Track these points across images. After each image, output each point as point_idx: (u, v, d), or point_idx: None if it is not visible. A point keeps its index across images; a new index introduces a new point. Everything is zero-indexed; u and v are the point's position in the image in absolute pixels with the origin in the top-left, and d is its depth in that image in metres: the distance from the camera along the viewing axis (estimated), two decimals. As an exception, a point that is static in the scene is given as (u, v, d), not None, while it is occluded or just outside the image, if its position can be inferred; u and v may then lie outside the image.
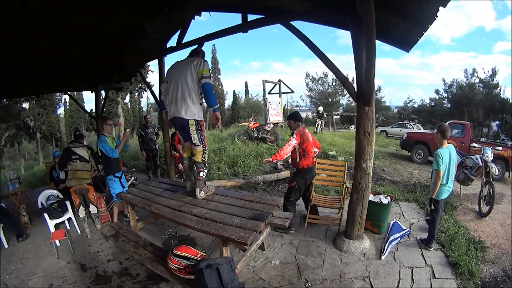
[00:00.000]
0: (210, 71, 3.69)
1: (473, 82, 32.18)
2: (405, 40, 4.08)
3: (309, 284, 3.47)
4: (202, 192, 3.92)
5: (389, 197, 4.64)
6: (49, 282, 3.83)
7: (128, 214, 4.87)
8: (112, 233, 4.03)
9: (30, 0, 3.94)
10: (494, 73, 31.24)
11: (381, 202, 4.51)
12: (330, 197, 5.67)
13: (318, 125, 15.62)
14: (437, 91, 35.91)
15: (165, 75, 4.04)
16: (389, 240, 4.25)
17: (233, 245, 3.68)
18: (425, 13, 3.40)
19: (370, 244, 4.23)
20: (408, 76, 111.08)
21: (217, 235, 2.97)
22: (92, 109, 15.61)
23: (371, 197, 4.53)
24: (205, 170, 3.91)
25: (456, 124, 10.30)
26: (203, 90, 3.55)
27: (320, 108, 16.66)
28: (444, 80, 35.16)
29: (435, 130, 4.21)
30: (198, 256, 2.84)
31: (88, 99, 56.02)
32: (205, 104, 3.74)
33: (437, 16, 3.32)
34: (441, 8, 3.13)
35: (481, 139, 11.87)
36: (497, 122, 35.09)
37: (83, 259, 4.32)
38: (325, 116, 17.07)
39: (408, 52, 4.29)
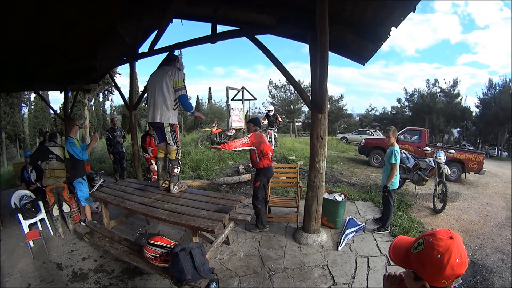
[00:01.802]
0: (184, 80, 4.07)
1: (434, 91, 34.16)
2: (361, 54, 4.52)
3: (272, 273, 3.81)
4: (176, 187, 4.37)
5: (343, 195, 5.10)
6: (26, 282, 3.88)
7: (86, 219, 5.11)
8: (87, 230, 4.26)
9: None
10: (455, 83, 33.44)
11: (335, 199, 4.95)
12: (286, 197, 6.09)
13: (271, 137, 11.39)
14: (398, 100, 38.11)
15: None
16: (345, 233, 4.68)
17: (200, 238, 4.04)
18: (379, 32, 3.81)
19: (328, 237, 4.64)
20: (371, 85, 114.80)
21: (188, 226, 3.36)
22: (56, 110, 15.33)
23: (326, 195, 5.00)
24: (179, 167, 4.41)
25: (413, 131, 11.11)
26: (179, 101, 4.02)
27: (270, 108, 13.07)
28: (405, 89, 37.34)
29: (387, 133, 5.01)
30: (171, 244, 3.16)
31: (53, 99, 53.72)
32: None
33: (389, 35, 3.73)
34: (393, 28, 3.55)
35: (437, 144, 12.71)
36: (458, 129, 37.59)
37: (59, 258, 4.39)
38: (280, 120, 13.02)
39: (363, 65, 4.76)
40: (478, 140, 36.76)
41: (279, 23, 4.39)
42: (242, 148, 4.56)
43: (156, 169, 5.26)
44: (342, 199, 4.98)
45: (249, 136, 4.55)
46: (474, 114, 33.92)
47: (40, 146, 5.56)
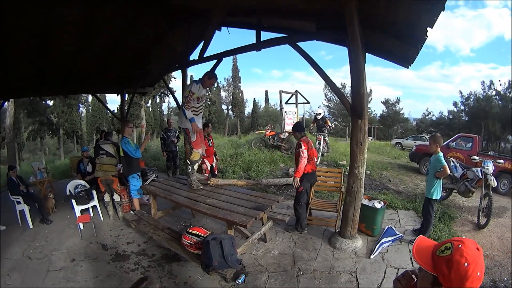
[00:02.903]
0: (191, 91, 4.62)
1: (490, 94, 31.31)
2: (403, 57, 4.42)
3: (301, 273, 3.88)
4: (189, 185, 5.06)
5: (382, 203, 5.00)
6: (71, 257, 4.35)
7: (135, 210, 5.52)
8: (134, 218, 4.73)
9: (56, 13, 4.66)
10: (511, 85, 30.22)
11: (375, 206, 4.87)
12: (328, 200, 6.04)
13: (320, 144, 10.29)
14: (455, 104, 35.10)
15: None
16: (380, 242, 4.57)
17: (237, 232, 4.28)
18: (415, 34, 3.73)
19: (363, 244, 4.57)
20: (428, 88, 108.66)
21: (224, 219, 3.66)
22: (113, 110, 16.49)
23: (366, 202, 4.95)
24: (189, 167, 5.04)
25: (465, 137, 10.34)
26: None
27: (319, 112, 11.68)
28: (461, 93, 34.33)
29: (430, 140, 4.97)
30: (207, 235, 3.41)
31: (110, 100, 57.73)
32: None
33: (427, 36, 3.63)
34: (429, 28, 3.46)
35: (489, 153, 11.85)
36: (515, 136, 34.31)
37: (105, 240, 4.85)
38: (330, 125, 11.63)
39: (407, 68, 4.59)
40: (536, 150, 33.34)
41: (318, 29, 4.47)
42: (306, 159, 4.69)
43: (206, 167, 6.00)
44: (381, 207, 4.88)
45: (303, 148, 4.64)
46: None
47: (95, 145, 6.19)
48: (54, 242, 4.85)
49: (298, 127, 5.04)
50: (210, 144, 6.83)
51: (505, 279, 4.02)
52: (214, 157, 7.07)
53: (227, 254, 3.05)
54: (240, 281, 3.51)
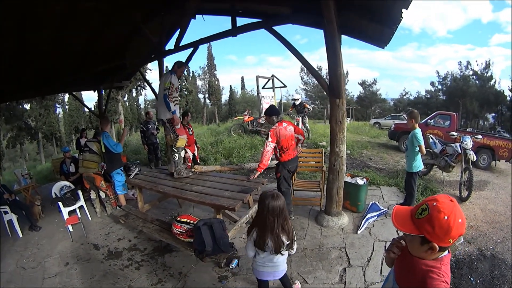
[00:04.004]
0: (172, 83, 4.73)
1: (467, 74, 32.38)
2: (379, 38, 4.45)
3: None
4: (175, 172, 5.12)
5: (364, 179, 5.16)
6: (65, 261, 4.31)
7: (121, 205, 5.52)
8: (122, 213, 4.72)
9: (31, 13, 4.61)
10: (488, 65, 31.55)
11: (357, 183, 5.01)
12: (311, 181, 6.15)
13: (298, 125, 10.54)
14: (432, 84, 36.40)
15: None
16: (366, 217, 4.73)
17: (225, 217, 4.36)
18: (391, 15, 3.74)
19: (349, 221, 4.72)
20: (405, 69, 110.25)
21: (212, 204, 3.73)
22: (90, 107, 16.20)
23: (349, 179, 5.09)
24: (175, 155, 5.08)
25: (443, 115, 10.66)
26: (163, 99, 4.71)
27: (297, 97, 12.10)
28: (438, 73, 35.57)
29: (407, 117, 5.03)
30: (197, 221, 3.45)
31: (86, 98, 56.47)
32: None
33: (402, 17, 3.65)
34: (404, 10, 3.47)
35: (467, 129, 12.20)
36: (493, 114, 34.97)
37: (95, 240, 4.83)
38: (308, 108, 12.08)
39: (383, 48, 4.62)
40: (514, 126, 34.73)
41: (294, 12, 4.50)
42: (272, 153, 4.45)
43: (188, 157, 5.98)
44: (364, 183, 5.02)
45: (270, 139, 4.32)
46: (508, 98, 31.53)
47: (86, 142, 6.08)
48: (46, 248, 4.80)
49: (269, 110, 4.64)
50: (191, 133, 6.86)
51: (491, 247, 4.23)
52: (195, 145, 7.12)
53: (219, 238, 3.11)
54: (233, 265, 3.59)
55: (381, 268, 3.61)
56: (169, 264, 3.90)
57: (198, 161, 7.29)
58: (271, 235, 2.31)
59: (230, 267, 3.57)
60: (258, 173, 4.45)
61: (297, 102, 11.64)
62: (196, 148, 7.18)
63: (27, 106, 28.96)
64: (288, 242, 2.39)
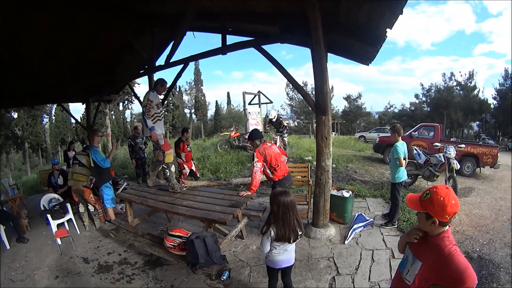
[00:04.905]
0: (149, 100, 4.86)
1: (451, 85, 33.32)
2: (364, 56, 4.69)
3: (281, 263, 4.11)
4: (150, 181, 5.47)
5: (350, 192, 5.33)
6: (54, 274, 4.27)
7: (111, 220, 5.50)
8: (113, 227, 4.75)
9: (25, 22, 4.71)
10: (471, 75, 32.62)
11: (343, 195, 5.16)
12: (298, 194, 6.20)
13: (276, 143, 9.84)
14: (416, 96, 37.37)
15: None
16: (352, 228, 4.87)
17: (215, 231, 4.39)
18: (375, 34, 3.95)
19: (336, 232, 4.84)
20: (390, 82, 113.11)
21: (203, 219, 3.85)
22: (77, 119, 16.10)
23: (335, 192, 5.23)
24: (167, 170, 5.17)
25: (427, 126, 10.94)
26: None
27: (272, 114, 11.55)
28: (422, 85, 36.54)
29: (390, 131, 5.27)
30: (189, 234, 3.53)
31: (73, 109, 55.80)
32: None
33: (386, 36, 3.84)
34: (388, 29, 3.65)
35: (451, 139, 12.50)
36: (478, 122, 36.23)
37: (85, 253, 4.79)
38: (286, 125, 11.67)
39: (368, 65, 4.87)
40: (498, 133, 35.52)
41: (283, 32, 4.64)
42: (261, 172, 4.38)
43: (185, 173, 6.36)
44: (350, 195, 5.17)
45: (256, 160, 4.29)
46: (492, 106, 33.01)
47: (75, 155, 6.08)
48: (34, 260, 4.74)
49: (253, 135, 4.57)
50: (190, 149, 6.90)
51: (478, 249, 4.41)
52: (192, 162, 7.12)
53: (212, 251, 3.21)
54: (224, 277, 3.63)
55: (369, 275, 3.73)
56: (160, 277, 3.92)
57: (198, 176, 7.33)
58: (289, 228, 2.60)
59: (222, 279, 3.62)
60: (250, 193, 4.49)
61: (274, 119, 11.33)
62: (193, 164, 7.19)
63: (15, 115, 28.43)
64: (300, 233, 2.70)
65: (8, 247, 5.23)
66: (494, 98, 32.62)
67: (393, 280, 2.07)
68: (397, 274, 1.97)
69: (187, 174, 6.71)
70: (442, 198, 1.59)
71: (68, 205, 5.79)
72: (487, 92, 46.49)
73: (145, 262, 4.33)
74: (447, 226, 1.69)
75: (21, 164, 35.68)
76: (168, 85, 5.35)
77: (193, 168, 7.07)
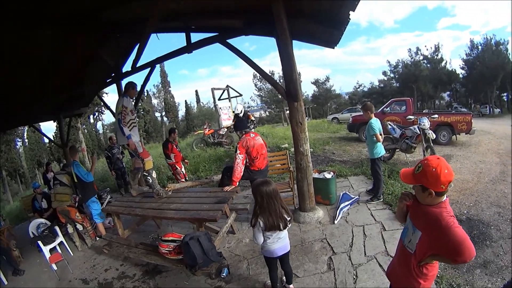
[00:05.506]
0: (124, 106, 4.73)
1: (418, 59, 34.14)
2: (329, 40, 4.75)
3: (276, 252, 4.19)
4: (133, 191, 5.42)
5: (332, 172, 5.42)
6: None
7: (101, 235, 5.52)
8: (105, 243, 4.72)
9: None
10: (437, 49, 33.58)
11: (325, 177, 5.26)
12: (279, 183, 6.23)
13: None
14: (384, 73, 38.18)
15: None
16: (340, 207, 4.99)
17: (206, 230, 4.43)
18: (339, 18, 4.02)
19: (324, 213, 4.95)
20: (356, 62, 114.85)
21: (194, 219, 3.90)
22: (50, 139, 15.66)
23: (317, 175, 5.33)
24: (149, 177, 5.10)
25: (398, 101, 11.27)
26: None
27: (239, 109, 10.96)
28: (389, 62, 37.33)
29: (362, 110, 5.46)
30: (181, 238, 3.56)
31: (44, 129, 54.04)
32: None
33: (349, 19, 3.93)
34: (351, 12, 3.73)
35: (423, 111, 12.89)
36: (448, 93, 37.72)
37: (83, 274, 4.71)
38: (253, 119, 11.29)
39: (333, 48, 4.96)
40: (470, 101, 37.11)
41: (247, 25, 4.69)
42: (243, 164, 4.48)
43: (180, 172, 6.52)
44: (332, 176, 5.26)
45: (238, 152, 4.42)
46: (461, 76, 34.11)
47: (55, 175, 5.94)
48: (34, 291, 4.65)
49: (237, 125, 4.85)
50: (179, 150, 6.94)
51: (465, 211, 4.65)
52: (181, 162, 7.09)
53: (207, 249, 3.26)
54: (224, 274, 3.69)
55: (364, 250, 3.85)
56: (162, 285, 3.92)
57: (186, 178, 7.28)
58: (276, 216, 2.66)
59: (222, 276, 3.67)
60: (233, 186, 4.56)
61: (241, 114, 10.62)
62: (183, 165, 7.17)
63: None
64: (289, 218, 2.77)
65: (6, 282, 5.08)
66: (462, 68, 33.64)
67: (397, 248, 2.13)
68: (400, 243, 2.05)
69: (182, 173, 6.84)
70: (434, 169, 1.62)
71: (57, 228, 5.65)
72: (455, 63, 48.40)
73: (144, 272, 4.31)
74: (445, 195, 1.71)
75: (1, 194, 34.35)
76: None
77: (183, 170, 7.06)
